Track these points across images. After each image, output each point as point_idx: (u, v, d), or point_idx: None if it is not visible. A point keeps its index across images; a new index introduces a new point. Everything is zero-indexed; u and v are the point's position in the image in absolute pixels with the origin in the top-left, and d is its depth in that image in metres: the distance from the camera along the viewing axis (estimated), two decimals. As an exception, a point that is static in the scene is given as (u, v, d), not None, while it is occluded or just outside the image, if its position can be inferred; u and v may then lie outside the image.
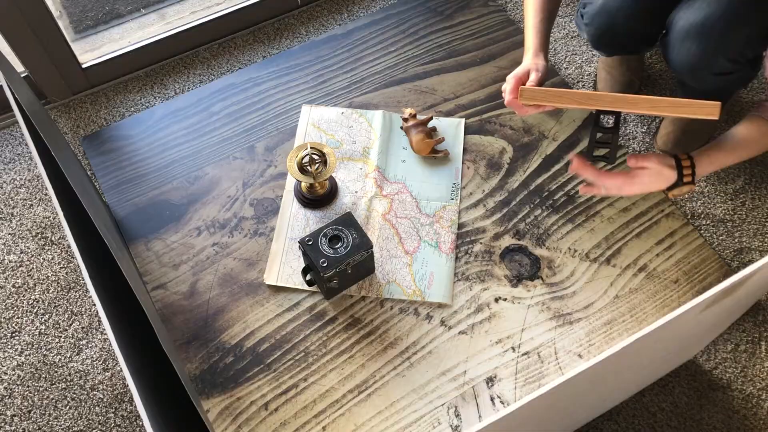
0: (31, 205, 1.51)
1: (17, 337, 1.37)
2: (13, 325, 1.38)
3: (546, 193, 1.46)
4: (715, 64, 1.30)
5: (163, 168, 1.51)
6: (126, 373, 0.78)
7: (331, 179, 1.45)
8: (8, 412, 1.30)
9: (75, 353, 1.35)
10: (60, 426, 1.29)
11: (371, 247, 1.26)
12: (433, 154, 1.46)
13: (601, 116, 1.17)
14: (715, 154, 1.17)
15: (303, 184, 1.40)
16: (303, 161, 1.35)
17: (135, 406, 1.31)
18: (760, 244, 1.45)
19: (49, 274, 1.43)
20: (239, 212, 1.44)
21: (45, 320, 1.38)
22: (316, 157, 1.35)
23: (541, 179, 1.48)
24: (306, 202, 1.42)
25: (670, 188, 1.17)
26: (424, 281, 1.34)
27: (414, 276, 1.35)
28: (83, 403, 1.30)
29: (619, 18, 1.41)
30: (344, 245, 1.24)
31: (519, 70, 1.22)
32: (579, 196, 1.45)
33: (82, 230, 0.98)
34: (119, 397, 1.31)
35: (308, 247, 1.24)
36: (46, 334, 1.37)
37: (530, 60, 1.24)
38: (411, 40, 1.69)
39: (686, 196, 1.51)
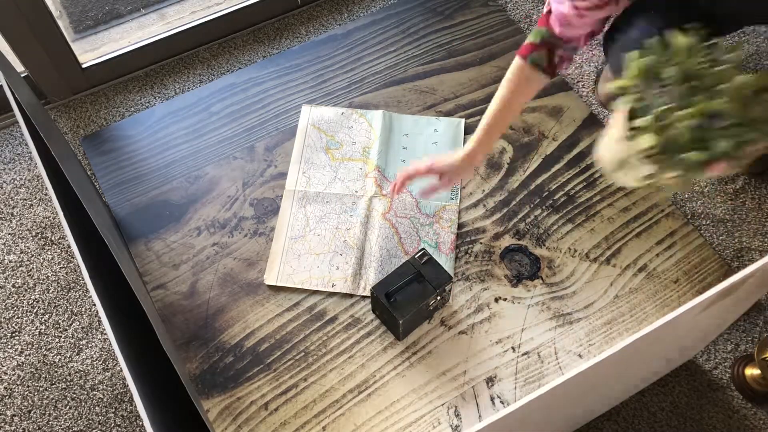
0: (31, 205, 1.51)
1: (17, 337, 1.37)
2: (13, 325, 1.38)
3: (546, 193, 1.46)
4: None
5: (163, 168, 1.51)
6: (126, 373, 0.78)
7: None
8: (8, 412, 1.30)
9: (75, 353, 1.35)
10: (60, 426, 1.29)
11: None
12: None
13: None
14: None
15: None
16: None
17: (135, 406, 1.31)
18: (760, 244, 1.45)
19: (49, 274, 1.43)
20: (239, 212, 1.44)
21: (45, 320, 1.38)
22: None
23: (541, 179, 1.48)
24: None
25: None
26: (424, 281, 1.34)
27: (414, 276, 1.35)
28: (83, 403, 1.30)
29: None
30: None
31: (439, 164, 1.24)
32: (579, 196, 1.45)
33: (82, 230, 0.98)
34: (119, 397, 1.31)
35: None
36: (46, 334, 1.37)
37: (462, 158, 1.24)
38: (411, 40, 1.68)
39: (686, 195, 1.50)
